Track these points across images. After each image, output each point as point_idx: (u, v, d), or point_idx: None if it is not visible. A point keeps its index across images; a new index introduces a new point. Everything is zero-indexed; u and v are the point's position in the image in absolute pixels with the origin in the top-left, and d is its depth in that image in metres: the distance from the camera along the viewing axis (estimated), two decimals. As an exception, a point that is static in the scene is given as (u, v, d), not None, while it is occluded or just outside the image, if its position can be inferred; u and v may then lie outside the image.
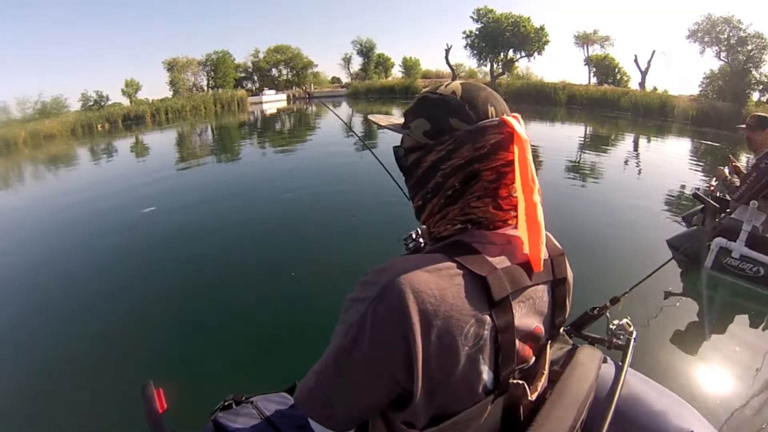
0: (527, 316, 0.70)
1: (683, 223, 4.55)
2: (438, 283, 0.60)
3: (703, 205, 3.75)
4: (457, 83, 0.74)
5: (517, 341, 0.67)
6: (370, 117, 0.93)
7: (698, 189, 7.02)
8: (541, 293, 0.73)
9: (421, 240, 1.34)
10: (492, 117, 0.70)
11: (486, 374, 0.63)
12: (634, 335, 1.13)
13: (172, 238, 5.24)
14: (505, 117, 0.70)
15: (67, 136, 23.93)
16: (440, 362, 0.59)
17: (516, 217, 0.71)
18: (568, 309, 0.82)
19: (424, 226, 0.90)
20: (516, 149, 0.68)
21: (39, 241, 5.62)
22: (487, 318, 0.62)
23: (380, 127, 0.86)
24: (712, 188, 3.86)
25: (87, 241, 5.42)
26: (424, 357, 0.58)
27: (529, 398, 0.71)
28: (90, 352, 3.01)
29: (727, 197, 3.74)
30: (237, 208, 6.44)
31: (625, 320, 1.20)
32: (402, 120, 0.80)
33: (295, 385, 1.19)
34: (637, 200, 6.42)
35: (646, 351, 2.66)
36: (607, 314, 1.37)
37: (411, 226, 1.38)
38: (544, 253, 0.72)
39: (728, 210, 3.55)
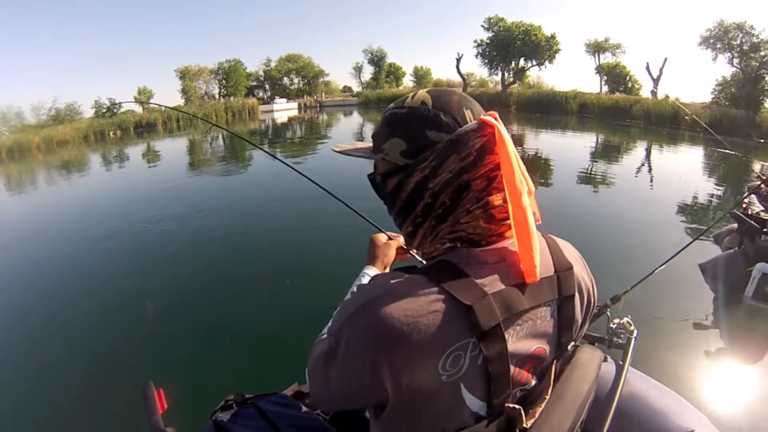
0: (524, 340, 0.64)
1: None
2: (413, 309, 0.56)
3: (738, 225, 3.45)
4: (423, 92, 0.68)
5: (512, 367, 0.61)
6: (333, 148, 0.85)
7: (711, 195, 7.00)
8: (543, 314, 0.66)
9: None
10: (470, 121, 0.64)
11: (471, 402, 0.59)
12: (634, 334, 1.13)
13: (174, 242, 5.29)
14: (483, 118, 0.64)
15: (79, 143, 24.37)
16: (412, 388, 0.56)
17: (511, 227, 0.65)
18: (584, 324, 0.76)
19: None
20: (500, 151, 0.63)
21: (40, 243, 5.69)
22: (470, 347, 0.57)
23: (346, 155, 0.79)
24: (744, 206, 3.56)
25: (88, 245, 5.47)
26: (393, 382, 0.56)
27: (524, 425, 0.64)
28: (91, 353, 3.04)
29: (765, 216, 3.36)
30: (240, 213, 6.52)
31: (625, 319, 1.20)
32: (370, 143, 0.74)
33: (296, 385, 1.18)
34: (647, 204, 6.41)
35: (648, 351, 2.59)
36: (608, 313, 1.36)
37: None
38: (549, 269, 0.68)
39: None
